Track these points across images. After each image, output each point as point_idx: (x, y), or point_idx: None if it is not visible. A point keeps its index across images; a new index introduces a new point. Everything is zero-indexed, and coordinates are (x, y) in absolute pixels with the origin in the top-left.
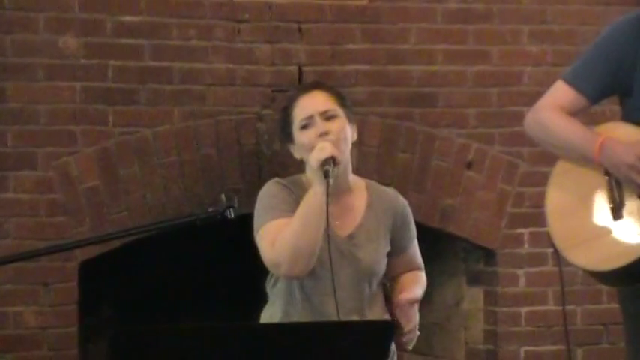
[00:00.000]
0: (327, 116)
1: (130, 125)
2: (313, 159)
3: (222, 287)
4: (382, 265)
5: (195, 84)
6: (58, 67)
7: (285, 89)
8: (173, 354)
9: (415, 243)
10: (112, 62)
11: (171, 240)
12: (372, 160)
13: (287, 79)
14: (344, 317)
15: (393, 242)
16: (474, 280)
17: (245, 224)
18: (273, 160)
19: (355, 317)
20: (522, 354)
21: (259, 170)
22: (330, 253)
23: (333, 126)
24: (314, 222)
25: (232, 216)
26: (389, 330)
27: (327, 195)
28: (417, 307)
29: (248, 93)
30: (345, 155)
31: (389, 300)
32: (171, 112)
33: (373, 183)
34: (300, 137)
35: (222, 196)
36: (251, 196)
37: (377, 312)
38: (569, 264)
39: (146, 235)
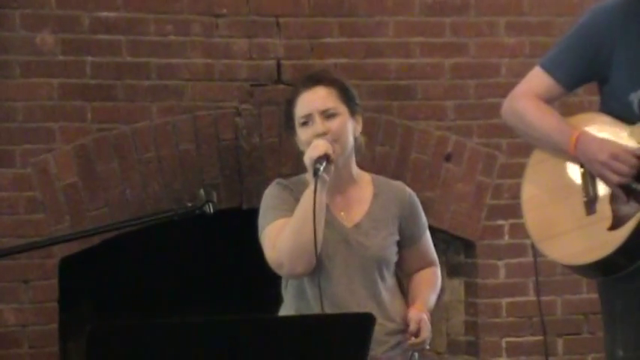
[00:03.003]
0: (327, 115)
1: (108, 121)
2: (306, 157)
3: (202, 283)
4: (391, 253)
5: (173, 79)
6: (35, 63)
7: (263, 84)
8: (150, 350)
9: (427, 235)
10: (89, 58)
11: (151, 236)
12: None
13: (265, 74)
14: (360, 306)
15: (403, 233)
16: (454, 272)
17: (225, 219)
18: (252, 154)
19: (371, 304)
20: (503, 345)
21: (238, 165)
22: (316, 249)
23: (332, 125)
24: (309, 220)
25: (211, 211)
26: (368, 322)
27: (315, 193)
28: (426, 320)
29: (226, 88)
30: (346, 151)
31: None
32: (149, 107)
33: (379, 176)
34: (300, 133)
35: (201, 191)
36: (230, 191)
37: (396, 303)
38: (545, 255)
39: (125, 231)
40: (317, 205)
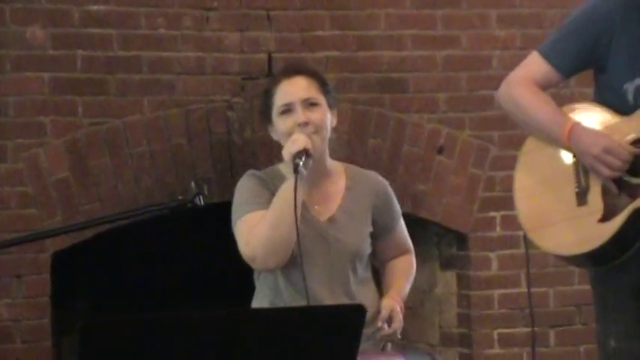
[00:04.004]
0: (308, 104)
1: (99, 116)
2: (285, 152)
3: (195, 277)
4: (365, 247)
5: (164, 73)
6: (25, 58)
7: (255, 77)
8: (143, 344)
9: (402, 224)
10: (80, 52)
11: (144, 231)
12: (343, 147)
13: (257, 67)
14: (332, 300)
15: (377, 224)
16: (447, 264)
17: (218, 213)
18: (245, 148)
19: (344, 299)
20: (496, 336)
21: (230, 159)
22: (299, 244)
23: (313, 115)
24: (287, 215)
25: (202, 203)
26: (360, 314)
27: (296, 189)
28: (399, 310)
29: (218, 81)
30: (324, 143)
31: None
32: (140, 101)
33: (352, 166)
34: (279, 122)
35: (192, 183)
36: (223, 185)
37: (368, 295)
38: (536, 246)
39: (117, 225)
40: (299, 200)
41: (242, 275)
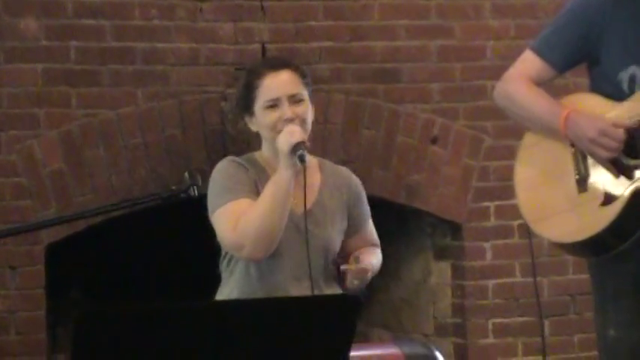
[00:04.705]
0: (295, 100)
1: (93, 107)
2: (283, 142)
3: (189, 268)
4: (338, 243)
5: (158, 64)
6: (19, 49)
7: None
8: (138, 335)
9: (370, 223)
10: (73, 43)
11: (138, 222)
12: (337, 138)
13: (250, 58)
14: (300, 294)
15: (348, 220)
16: (441, 254)
17: None
18: (238, 139)
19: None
20: (490, 326)
21: (224, 149)
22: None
23: (299, 110)
24: (280, 206)
25: (196, 194)
26: (356, 305)
27: (305, 179)
28: (369, 260)
29: (211, 72)
30: (307, 136)
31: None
32: (134, 92)
33: (326, 161)
34: (264, 116)
35: (186, 174)
36: None
37: (334, 288)
38: (537, 236)
39: (111, 216)
40: (290, 192)
41: None
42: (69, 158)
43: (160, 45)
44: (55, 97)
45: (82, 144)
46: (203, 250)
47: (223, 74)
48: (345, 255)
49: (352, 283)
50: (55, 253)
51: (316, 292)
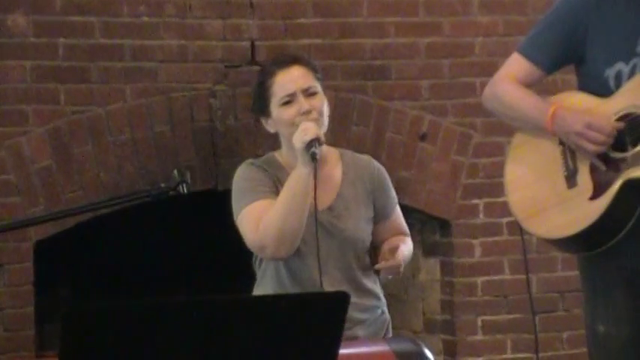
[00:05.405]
0: (309, 93)
1: (81, 104)
2: (298, 140)
3: (178, 264)
4: (367, 232)
5: (146, 61)
6: (7, 46)
7: (237, 65)
8: (126, 331)
9: (398, 209)
10: (62, 40)
11: (127, 219)
12: (326, 134)
13: (239, 55)
14: (334, 289)
15: (374, 208)
16: (430, 251)
17: (201, 201)
18: (227, 135)
19: (346, 286)
20: (479, 323)
21: (213, 146)
22: (317, 232)
23: (314, 102)
24: (300, 203)
25: (185, 191)
26: (343, 301)
27: (315, 177)
28: (403, 249)
29: (200, 69)
30: (324, 129)
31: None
32: (123, 89)
33: (346, 151)
34: (281, 113)
35: (175, 171)
36: (206, 173)
37: (370, 280)
38: (528, 234)
39: (100, 213)
40: (308, 190)
41: (224, 262)
42: (57, 155)
43: (148, 42)
44: (44, 94)
45: (70, 141)
46: (193, 246)
47: (212, 71)
48: (377, 245)
49: (386, 278)
50: (43, 250)
51: (353, 285)
